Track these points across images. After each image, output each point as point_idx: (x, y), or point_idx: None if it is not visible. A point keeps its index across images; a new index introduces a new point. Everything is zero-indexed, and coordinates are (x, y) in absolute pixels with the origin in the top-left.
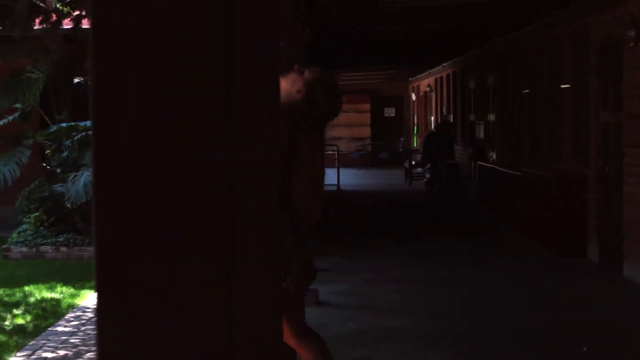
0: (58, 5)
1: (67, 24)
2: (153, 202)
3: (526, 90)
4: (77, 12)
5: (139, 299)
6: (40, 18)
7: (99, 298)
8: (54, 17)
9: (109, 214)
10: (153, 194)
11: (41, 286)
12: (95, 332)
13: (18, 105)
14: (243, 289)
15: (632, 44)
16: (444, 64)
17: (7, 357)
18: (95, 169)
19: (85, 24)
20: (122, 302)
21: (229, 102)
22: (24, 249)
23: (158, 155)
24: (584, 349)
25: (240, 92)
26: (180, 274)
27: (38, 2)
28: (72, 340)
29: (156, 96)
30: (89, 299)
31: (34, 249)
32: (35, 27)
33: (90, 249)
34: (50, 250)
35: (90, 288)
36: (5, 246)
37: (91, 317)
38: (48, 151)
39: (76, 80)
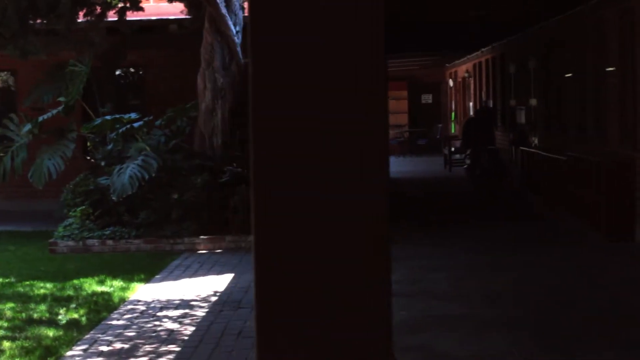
0: None
1: (111, 16)
2: (313, 199)
3: (569, 74)
4: (121, 4)
5: (300, 303)
6: (84, 10)
7: (258, 303)
8: (99, 10)
9: (269, 213)
10: (313, 189)
11: (91, 280)
12: (160, 328)
13: (61, 99)
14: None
15: None
16: (483, 49)
17: (63, 352)
18: (255, 172)
19: (130, 15)
20: (281, 305)
21: (385, 104)
22: (71, 242)
23: (320, 158)
24: None
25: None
26: (341, 277)
27: None
28: (127, 334)
29: (317, 97)
30: (139, 292)
31: (81, 243)
32: (79, 20)
33: (137, 241)
34: (96, 244)
35: (139, 281)
36: (52, 240)
37: (143, 310)
38: (90, 144)
39: (118, 72)
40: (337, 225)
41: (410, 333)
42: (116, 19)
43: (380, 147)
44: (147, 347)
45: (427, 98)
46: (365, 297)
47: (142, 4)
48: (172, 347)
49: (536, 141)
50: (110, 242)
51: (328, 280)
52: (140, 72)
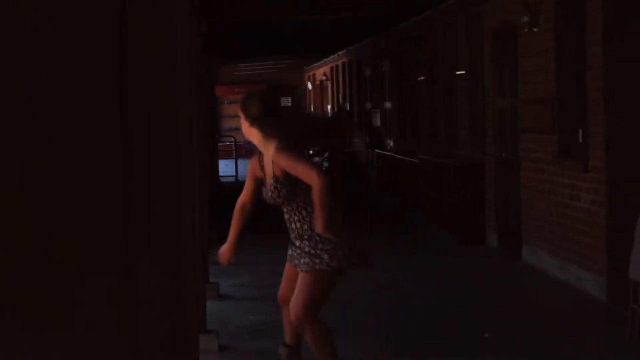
0: None
1: None
2: (44, 207)
3: (422, 77)
4: None
5: (37, 309)
6: None
7: None
8: None
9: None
10: (43, 199)
11: None
12: None
13: None
14: (140, 282)
15: (525, 30)
16: (339, 53)
17: None
18: None
19: None
20: (18, 312)
21: (123, 98)
22: None
23: (46, 158)
24: (486, 335)
25: (138, 93)
26: (79, 284)
27: None
28: None
29: (44, 95)
30: None
31: None
32: None
33: None
34: None
35: None
36: None
37: None
38: None
39: None
40: (71, 226)
41: (253, 338)
42: None
43: (109, 149)
44: None
45: (286, 101)
46: (102, 297)
47: None
48: None
49: (391, 144)
50: None
51: (65, 277)
52: None
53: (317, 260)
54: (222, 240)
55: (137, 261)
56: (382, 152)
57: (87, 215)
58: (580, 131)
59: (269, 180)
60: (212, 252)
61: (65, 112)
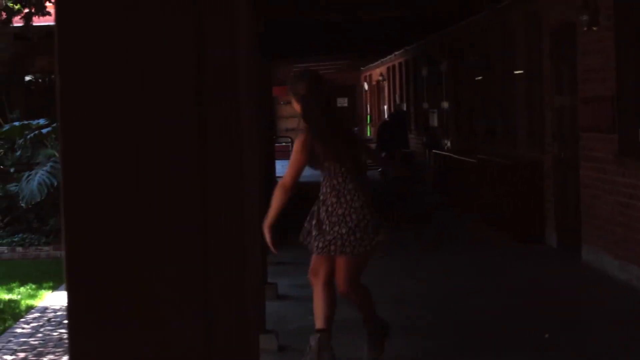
0: (9, 3)
1: (17, 22)
2: (124, 203)
3: (479, 77)
4: (26, 10)
5: (112, 304)
6: None
7: (70, 303)
8: (4, 15)
9: (78, 215)
10: (124, 195)
11: None
12: (66, 336)
13: None
14: (218, 291)
15: (585, 28)
16: (396, 53)
17: None
18: (64, 171)
19: (36, 21)
20: (94, 307)
21: (200, 104)
22: None
23: (128, 156)
24: (546, 335)
25: (212, 94)
26: (155, 280)
27: None
28: (31, 342)
29: (124, 97)
30: (47, 299)
31: None
32: None
33: (46, 248)
34: (5, 251)
35: (48, 288)
36: None
37: (50, 318)
38: (0, 151)
39: (28, 78)
40: (147, 232)
41: (306, 335)
42: (22, 24)
43: (187, 158)
44: (51, 357)
45: (342, 101)
46: (180, 304)
47: (50, 9)
48: None
49: (448, 144)
50: (19, 249)
51: (142, 288)
52: (52, 77)
53: (332, 247)
54: (280, 239)
55: (211, 261)
56: (440, 152)
57: (168, 213)
58: None
59: None
60: (269, 253)
61: (154, 121)
